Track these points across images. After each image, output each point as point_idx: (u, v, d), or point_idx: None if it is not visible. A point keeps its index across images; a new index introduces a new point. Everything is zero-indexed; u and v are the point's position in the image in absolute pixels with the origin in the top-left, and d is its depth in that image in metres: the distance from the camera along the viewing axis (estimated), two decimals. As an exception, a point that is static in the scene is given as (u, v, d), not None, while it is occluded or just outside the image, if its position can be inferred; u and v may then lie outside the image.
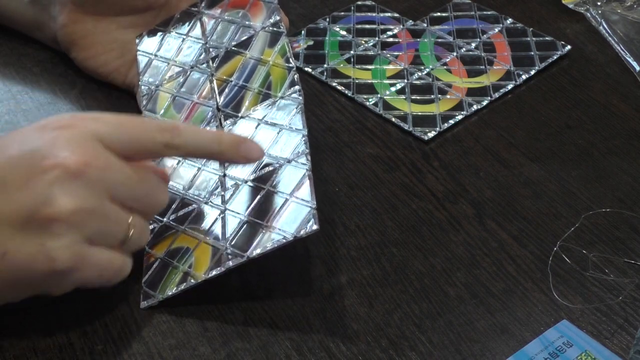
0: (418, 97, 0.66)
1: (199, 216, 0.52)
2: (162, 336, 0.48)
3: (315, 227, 0.46)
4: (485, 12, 0.75)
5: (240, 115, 0.55)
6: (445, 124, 0.63)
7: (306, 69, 0.69)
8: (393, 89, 0.67)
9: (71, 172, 0.43)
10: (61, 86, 0.68)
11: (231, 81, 0.57)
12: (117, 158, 0.45)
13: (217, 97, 0.57)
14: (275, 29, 0.58)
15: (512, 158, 0.60)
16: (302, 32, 0.73)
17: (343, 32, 0.73)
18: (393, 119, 0.63)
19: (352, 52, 0.71)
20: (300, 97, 0.53)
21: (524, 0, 0.77)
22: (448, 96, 0.66)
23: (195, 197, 0.53)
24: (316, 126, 0.63)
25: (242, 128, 0.54)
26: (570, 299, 0.50)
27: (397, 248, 0.53)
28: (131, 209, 0.46)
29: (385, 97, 0.66)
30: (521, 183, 0.58)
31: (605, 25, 0.72)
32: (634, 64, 0.68)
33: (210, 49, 0.60)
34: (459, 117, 0.63)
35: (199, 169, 0.54)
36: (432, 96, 0.66)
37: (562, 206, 0.56)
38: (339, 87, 0.67)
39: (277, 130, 0.52)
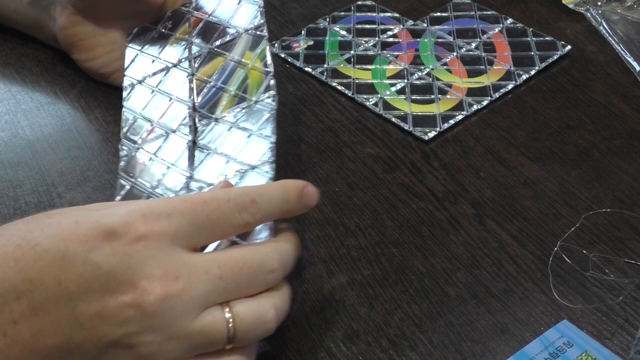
0: (418, 97, 0.66)
1: None
2: (162, 336, 0.48)
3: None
4: (485, 12, 0.75)
5: (214, 117, 0.55)
6: (446, 124, 0.63)
7: (306, 69, 0.69)
8: (393, 89, 0.67)
9: (149, 311, 0.39)
10: (61, 86, 0.68)
11: (210, 82, 0.57)
12: (202, 258, 0.41)
13: (195, 96, 0.57)
14: (258, 32, 0.58)
15: (512, 158, 0.60)
16: (302, 32, 0.73)
17: (343, 32, 0.73)
18: (393, 119, 0.63)
19: (352, 52, 0.71)
20: (274, 103, 0.53)
21: (524, 0, 0.77)
22: (448, 96, 0.66)
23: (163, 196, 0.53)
24: (316, 126, 0.63)
25: (215, 130, 0.54)
26: (571, 299, 0.50)
27: (397, 248, 0.53)
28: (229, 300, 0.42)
29: (385, 97, 0.66)
30: (521, 183, 0.58)
31: (605, 25, 0.72)
32: (634, 64, 0.68)
33: (194, 49, 0.60)
34: (459, 117, 0.63)
35: (168, 168, 0.54)
36: (432, 96, 0.66)
37: (562, 206, 0.56)
38: (339, 87, 0.67)
39: (247, 135, 0.52)
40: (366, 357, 0.47)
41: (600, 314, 0.49)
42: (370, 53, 0.71)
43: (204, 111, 0.56)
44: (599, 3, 0.73)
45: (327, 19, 0.75)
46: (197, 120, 0.56)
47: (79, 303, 0.38)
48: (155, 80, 0.60)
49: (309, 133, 0.63)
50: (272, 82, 0.54)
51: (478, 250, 0.53)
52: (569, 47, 0.70)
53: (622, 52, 0.70)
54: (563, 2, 0.75)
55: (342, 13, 0.76)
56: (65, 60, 0.70)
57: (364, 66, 0.69)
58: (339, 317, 0.49)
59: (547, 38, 0.71)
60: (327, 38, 0.73)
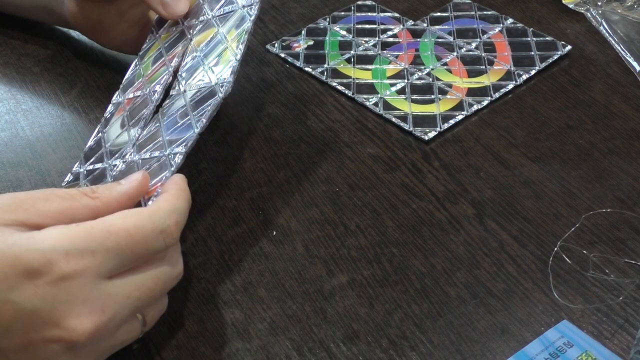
0: (418, 97, 0.66)
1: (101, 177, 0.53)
2: (162, 336, 0.48)
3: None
4: (485, 12, 0.75)
5: (184, 88, 0.55)
6: (446, 124, 0.63)
7: (306, 69, 0.69)
8: (393, 88, 0.66)
9: (76, 345, 0.40)
10: (61, 86, 0.68)
11: (198, 51, 0.57)
12: (123, 283, 0.42)
13: (183, 61, 0.57)
14: (248, 11, 0.56)
15: (513, 158, 0.60)
16: (302, 32, 0.73)
17: (343, 32, 0.73)
18: (393, 119, 0.63)
19: (352, 52, 0.71)
20: (220, 95, 0.51)
21: (524, 0, 0.77)
22: (448, 96, 0.66)
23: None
24: (316, 126, 0.63)
25: (175, 104, 0.54)
26: (571, 299, 0.50)
27: (398, 248, 0.53)
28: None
29: (385, 97, 0.66)
30: (521, 183, 0.58)
31: (605, 25, 0.72)
32: (634, 64, 0.68)
33: (201, 16, 0.60)
34: (459, 117, 0.63)
35: (125, 128, 0.55)
36: (433, 96, 0.66)
37: (562, 206, 0.56)
38: (339, 87, 0.67)
39: (185, 122, 0.51)
40: (366, 357, 0.47)
41: (601, 314, 0.49)
42: (370, 53, 0.71)
43: (181, 79, 0.56)
44: (599, 3, 0.73)
45: (327, 19, 0.75)
46: (178, 84, 0.56)
47: (1, 340, 0.38)
48: (166, 37, 0.61)
49: (309, 133, 0.63)
50: (233, 67, 0.52)
51: (478, 250, 0.53)
52: (569, 47, 0.70)
53: (622, 52, 0.70)
54: (563, 2, 0.75)
55: (342, 13, 0.76)
56: (65, 61, 0.71)
57: (364, 66, 0.69)
58: (339, 317, 0.49)
59: (547, 38, 0.71)
60: (327, 38, 0.72)
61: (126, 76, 0.60)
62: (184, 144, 0.49)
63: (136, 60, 0.61)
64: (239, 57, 0.53)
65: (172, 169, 0.48)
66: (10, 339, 0.39)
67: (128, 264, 0.42)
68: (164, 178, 0.48)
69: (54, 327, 0.39)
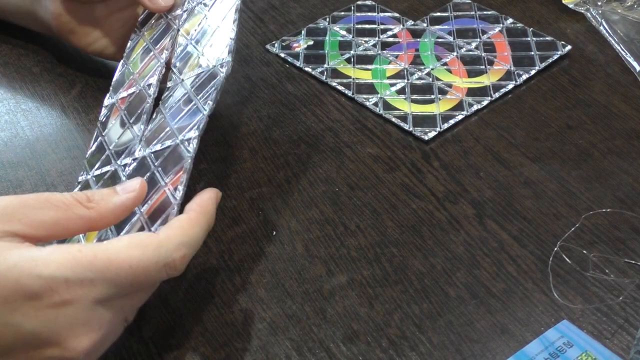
0: (418, 97, 0.66)
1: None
2: (162, 336, 0.48)
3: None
4: (485, 12, 0.75)
5: (181, 77, 0.54)
6: (446, 124, 0.63)
7: (306, 69, 0.69)
8: (393, 88, 0.67)
9: None
10: (61, 86, 0.68)
11: (188, 39, 0.57)
12: (121, 304, 0.42)
13: (175, 52, 0.57)
14: None
15: (512, 158, 0.60)
16: (302, 32, 0.73)
17: (343, 32, 0.73)
18: (393, 119, 0.63)
19: (352, 52, 0.71)
20: (221, 75, 0.51)
21: (524, 0, 0.77)
22: (448, 96, 0.66)
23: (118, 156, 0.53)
24: (316, 126, 0.63)
25: (176, 94, 0.54)
26: (571, 299, 0.50)
27: (397, 248, 0.53)
28: None
29: (385, 97, 0.66)
30: (521, 183, 0.58)
31: (605, 25, 0.72)
32: (634, 64, 0.68)
33: (186, 4, 0.60)
34: (459, 117, 0.63)
35: (126, 126, 0.55)
36: (432, 96, 0.66)
37: (562, 206, 0.56)
38: (339, 87, 0.67)
39: (192, 107, 0.51)
40: (366, 357, 0.47)
41: (600, 314, 0.49)
42: (370, 53, 0.71)
43: (176, 70, 0.56)
44: (599, 3, 0.73)
45: (327, 19, 0.75)
46: (169, 77, 0.55)
47: (3, 358, 0.39)
48: (150, 33, 0.60)
49: (309, 133, 0.63)
50: (230, 46, 0.52)
51: (478, 250, 0.53)
52: (569, 47, 0.70)
53: (622, 52, 0.70)
54: (563, 2, 0.75)
55: (342, 13, 0.76)
56: (65, 61, 0.71)
57: (364, 66, 0.69)
58: (338, 317, 0.49)
59: (547, 38, 0.71)
60: (327, 38, 0.72)
61: (115, 77, 0.60)
62: (196, 127, 0.49)
63: (122, 60, 0.61)
64: (233, 35, 0.52)
65: (190, 154, 0.48)
66: (12, 357, 0.40)
67: (125, 292, 0.42)
68: (184, 166, 0.47)
69: (55, 346, 0.40)
